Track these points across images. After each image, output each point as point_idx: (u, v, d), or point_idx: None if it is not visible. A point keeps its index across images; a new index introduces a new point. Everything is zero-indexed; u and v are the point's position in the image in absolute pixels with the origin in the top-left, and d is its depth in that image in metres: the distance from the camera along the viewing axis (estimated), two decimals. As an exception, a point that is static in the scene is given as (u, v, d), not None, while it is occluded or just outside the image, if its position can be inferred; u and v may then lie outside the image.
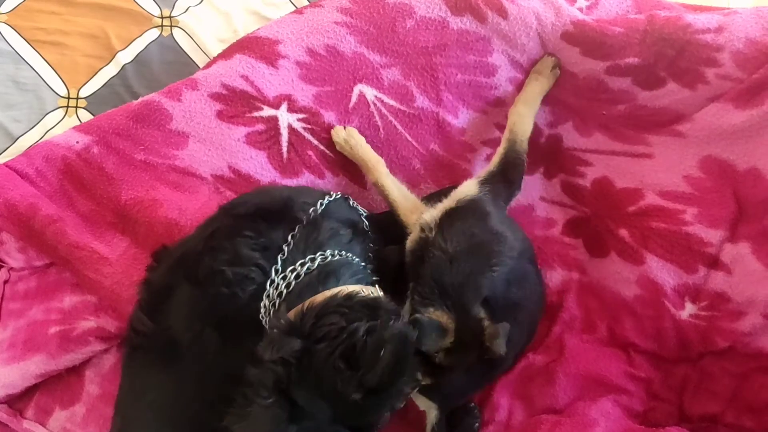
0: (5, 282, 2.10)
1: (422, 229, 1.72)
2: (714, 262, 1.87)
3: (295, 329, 1.32)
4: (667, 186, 1.94)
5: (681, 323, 1.89)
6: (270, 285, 1.48)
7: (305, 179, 2.04)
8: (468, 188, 1.79)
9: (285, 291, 1.47)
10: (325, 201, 1.67)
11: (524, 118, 1.92)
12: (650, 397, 1.94)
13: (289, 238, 1.54)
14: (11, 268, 2.10)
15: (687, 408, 1.92)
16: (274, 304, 1.47)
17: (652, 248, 1.92)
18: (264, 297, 1.48)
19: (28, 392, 2.03)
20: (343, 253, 1.56)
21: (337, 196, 1.73)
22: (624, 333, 1.96)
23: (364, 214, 1.81)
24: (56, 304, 2.04)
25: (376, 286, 1.58)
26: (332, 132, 2.00)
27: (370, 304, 1.39)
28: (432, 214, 1.74)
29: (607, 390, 1.92)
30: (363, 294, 1.43)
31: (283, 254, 1.51)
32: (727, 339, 1.86)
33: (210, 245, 1.59)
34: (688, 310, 1.90)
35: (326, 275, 1.49)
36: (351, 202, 1.79)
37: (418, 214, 1.80)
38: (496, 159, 1.87)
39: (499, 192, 1.80)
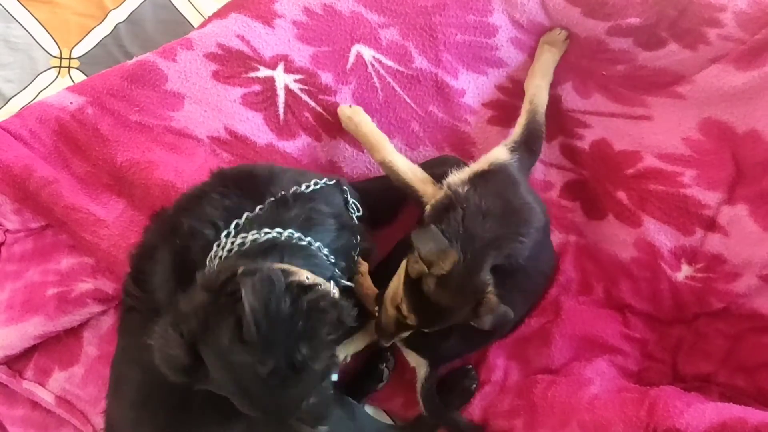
0: (1, 244, 2.09)
1: (449, 188, 1.71)
2: (711, 224, 1.88)
3: (210, 284, 1.31)
4: (665, 148, 1.94)
5: (677, 285, 1.91)
6: (216, 245, 1.47)
7: (302, 141, 2.02)
8: (499, 153, 1.78)
9: (225, 254, 1.45)
10: (318, 184, 1.64)
11: (542, 90, 1.92)
12: (645, 358, 1.98)
13: (257, 209, 1.53)
14: (7, 230, 2.10)
15: (681, 368, 1.95)
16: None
17: (649, 210, 1.92)
18: (209, 255, 1.47)
19: (27, 353, 2.05)
20: (308, 238, 1.52)
21: (331, 182, 1.70)
22: (620, 294, 1.98)
23: (355, 210, 1.75)
24: (53, 266, 2.04)
25: (334, 283, 1.52)
26: (338, 110, 1.96)
27: (301, 286, 1.31)
28: (459, 176, 1.73)
29: (603, 350, 1.95)
30: (301, 278, 1.37)
31: (240, 220, 1.50)
32: (722, 300, 1.88)
33: (184, 204, 1.61)
34: (684, 272, 1.92)
35: (269, 250, 1.45)
36: (345, 190, 1.75)
37: (432, 184, 1.80)
38: (518, 129, 1.86)
39: (523, 161, 1.81)
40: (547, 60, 1.96)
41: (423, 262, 1.53)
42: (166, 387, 1.37)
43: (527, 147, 1.83)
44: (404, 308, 1.61)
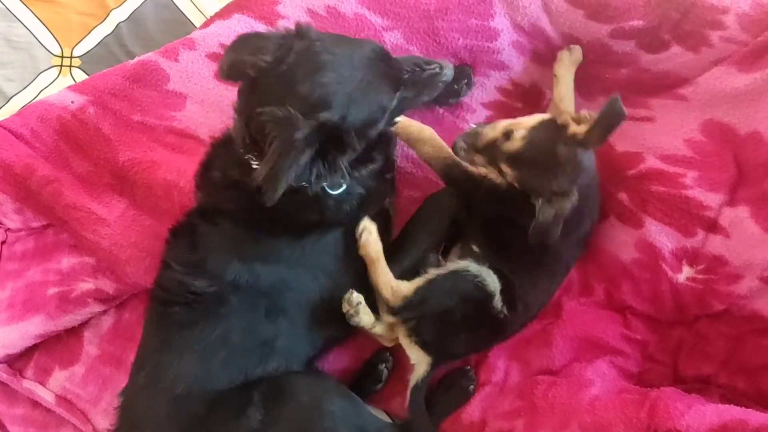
0: (2, 243, 2.10)
1: None
2: (713, 226, 1.88)
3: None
4: (667, 149, 1.94)
5: (678, 286, 1.91)
6: None
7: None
8: None
9: None
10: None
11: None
12: (645, 359, 1.98)
13: None
14: (8, 229, 2.11)
15: (681, 369, 1.95)
16: None
17: (651, 212, 1.92)
18: None
19: (28, 352, 2.06)
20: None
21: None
22: (621, 296, 1.97)
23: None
24: (54, 266, 2.05)
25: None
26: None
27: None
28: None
29: (603, 352, 1.94)
30: None
31: None
32: (723, 302, 1.88)
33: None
34: (685, 274, 1.91)
35: None
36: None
37: None
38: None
39: None
40: (567, 80, 1.96)
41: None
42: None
43: None
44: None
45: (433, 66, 1.69)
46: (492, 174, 1.80)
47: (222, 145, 1.76)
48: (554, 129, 1.67)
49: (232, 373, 1.65)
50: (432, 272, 1.79)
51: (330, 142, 1.49)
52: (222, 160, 1.71)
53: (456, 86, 2.01)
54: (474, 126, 1.80)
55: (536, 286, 1.88)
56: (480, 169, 1.82)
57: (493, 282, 1.77)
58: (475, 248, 1.87)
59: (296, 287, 1.72)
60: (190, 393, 1.61)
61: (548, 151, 1.65)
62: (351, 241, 1.76)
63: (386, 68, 1.60)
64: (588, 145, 1.63)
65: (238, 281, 1.66)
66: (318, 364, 1.91)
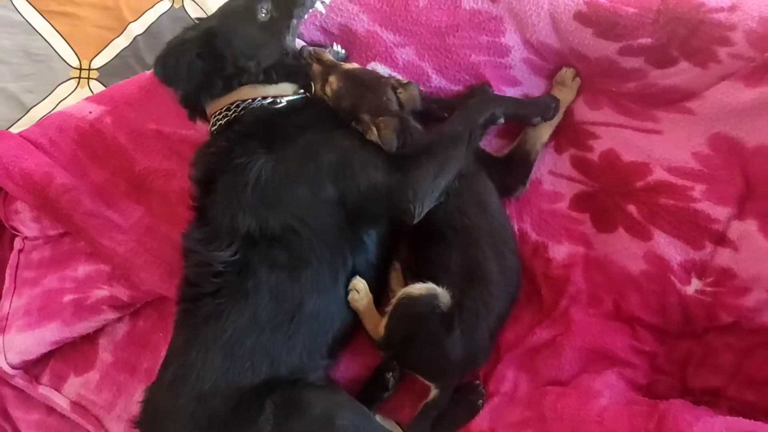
0: (20, 251, 2.13)
1: None
2: (721, 239, 1.89)
3: None
4: (675, 162, 1.95)
5: (686, 298, 1.92)
6: None
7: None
8: None
9: None
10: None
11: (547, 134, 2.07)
12: (654, 371, 1.97)
13: None
14: (26, 237, 2.13)
15: (690, 381, 1.95)
16: None
17: (659, 224, 1.94)
18: None
19: (44, 359, 2.09)
20: None
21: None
22: (630, 307, 1.98)
23: None
24: (70, 273, 2.08)
25: None
26: None
27: None
28: None
29: (612, 363, 1.94)
30: None
31: None
32: (731, 314, 1.88)
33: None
34: (694, 286, 1.92)
35: None
36: None
37: None
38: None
39: None
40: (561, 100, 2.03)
41: None
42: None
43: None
44: None
45: None
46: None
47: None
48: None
49: (258, 362, 1.68)
50: (390, 305, 1.87)
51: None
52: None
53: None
54: (334, 49, 1.97)
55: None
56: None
57: (437, 296, 1.82)
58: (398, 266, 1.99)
59: (304, 216, 1.74)
60: (214, 391, 1.63)
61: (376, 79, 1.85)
62: (325, 137, 1.81)
63: None
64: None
65: (252, 232, 1.70)
66: (339, 353, 1.95)
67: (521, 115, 2.00)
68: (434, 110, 1.99)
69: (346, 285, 1.85)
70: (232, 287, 1.70)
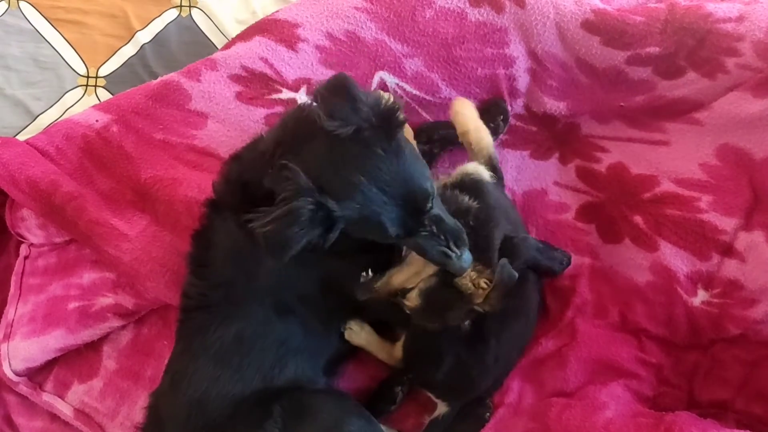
0: (26, 258, 2.13)
1: None
2: (728, 250, 1.88)
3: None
4: (682, 173, 1.95)
5: (693, 310, 1.91)
6: None
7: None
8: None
9: None
10: None
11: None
12: (660, 383, 1.96)
13: None
14: (31, 244, 2.14)
15: (697, 394, 1.94)
16: None
17: (666, 235, 1.93)
18: None
19: (48, 366, 2.08)
20: None
21: None
22: (636, 318, 1.97)
23: None
24: (75, 280, 2.08)
25: None
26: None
27: None
28: None
29: (618, 374, 1.93)
30: None
31: None
32: (738, 326, 1.87)
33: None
34: (700, 297, 1.91)
35: None
36: None
37: None
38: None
39: None
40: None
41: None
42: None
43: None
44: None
45: (454, 248, 1.51)
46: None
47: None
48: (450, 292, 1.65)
49: (248, 376, 1.67)
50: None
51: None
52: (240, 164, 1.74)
53: (492, 124, 2.01)
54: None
55: None
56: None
57: None
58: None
59: (295, 285, 1.73)
60: (207, 398, 1.63)
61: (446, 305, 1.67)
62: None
63: (413, 213, 1.47)
64: (485, 308, 1.64)
65: (235, 282, 1.70)
66: (338, 370, 1.95)
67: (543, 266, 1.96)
68: (453, 134, 1.94)
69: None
70: (220, 307, 1.70)
